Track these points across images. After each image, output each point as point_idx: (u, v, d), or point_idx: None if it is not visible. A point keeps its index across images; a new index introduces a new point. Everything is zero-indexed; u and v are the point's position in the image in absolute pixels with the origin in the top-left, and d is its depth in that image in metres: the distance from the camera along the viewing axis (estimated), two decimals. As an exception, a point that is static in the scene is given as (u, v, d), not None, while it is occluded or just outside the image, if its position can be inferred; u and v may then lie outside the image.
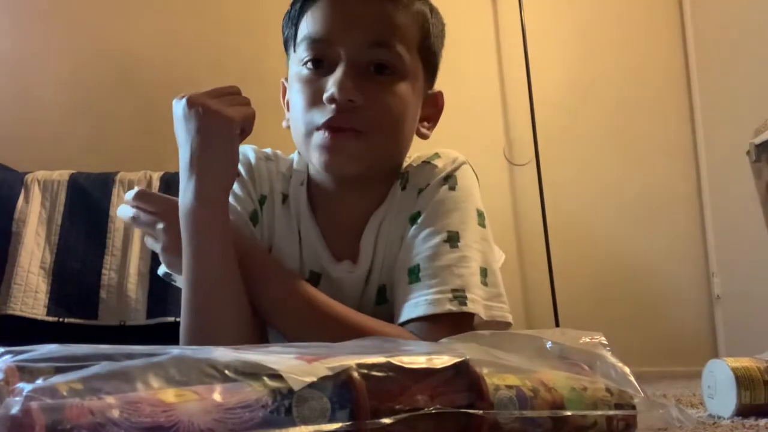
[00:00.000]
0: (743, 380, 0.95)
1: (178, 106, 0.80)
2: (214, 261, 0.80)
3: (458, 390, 0.54)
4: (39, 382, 0.42)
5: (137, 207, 0.86)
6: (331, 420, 0.48)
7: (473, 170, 0.99)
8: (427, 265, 0.88)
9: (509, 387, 0.56)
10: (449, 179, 0.94)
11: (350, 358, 0.52)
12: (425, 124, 1.00)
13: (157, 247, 0.88)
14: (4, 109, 2.66)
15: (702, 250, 2.94)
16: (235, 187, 0.94)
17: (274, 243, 0.96)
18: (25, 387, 0.41)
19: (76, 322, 2.00)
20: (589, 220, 2.91)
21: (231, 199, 0.92)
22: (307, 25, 0.90)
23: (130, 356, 0.48)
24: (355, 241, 0.95)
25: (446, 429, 0.53)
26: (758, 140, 1.81)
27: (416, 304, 0.85)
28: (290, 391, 0.47)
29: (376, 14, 0.88)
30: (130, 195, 0.87)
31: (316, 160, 0.89)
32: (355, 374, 0.50)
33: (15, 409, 0.40)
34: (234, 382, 0.48)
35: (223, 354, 0.50)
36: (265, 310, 0.85)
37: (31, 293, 2.00)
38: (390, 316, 0.89)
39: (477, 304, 0.87)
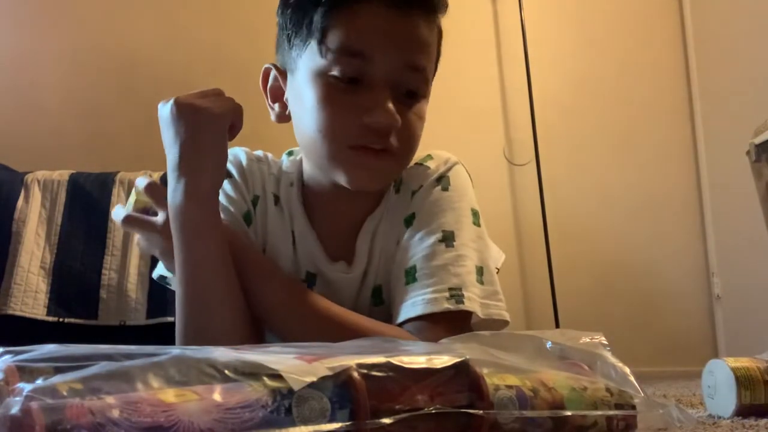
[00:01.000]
0: (743, 380, 0.95)
1: (165, 109, 0.80)
2: (208, 259, 0.80)
3: (458, 390, 0.54)
4: (39, 382, 0.42)
5: (149, 196, 0.86)
6: (331, 420, 0.48)
7: (466, 170, 0.99)
8: (423, 265, 0.88)
9: (509, 387, 0.56)
10: (442, 180, 0.95)
11: (350, 358, 0.52)
12: None
13: (155, 251, 0.87)
14: (4, 109, 2.66)
15: (702, 250, 2.94)
16: (228, 188, 0.94)
17: (269, 243, 0.96)
18: (25, 387, 0.41)
19: (76, 322, 2.01)
20: (589, 220, 2.91)
21: (224, 200, 0.92)
22: (343, 33, 0.85)
23: (130, 356, 0.48)
24: (351, 243, 0.95)
25: (446, 429, 0.53)
26: (758, 140, 1.81)
27: (414, 304, 0.85)
28: (290, 391, 0.47)
29: (412, 33, 0.87)
30: (141, 183, 0.87)
31: (343, 177, 0.88)
32: (355, 374, 0.50)
33: (15, 409, 0.40)
34: (234, 382, 0.48)
35: (223, 354, 0.50)
36: (263, 311, 0.84)
37: (31, 293, 2.00)
38: (386, 317, 0.89)
39: (474, 302, 0.87)
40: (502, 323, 0.92)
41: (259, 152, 1.01)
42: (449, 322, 0.84)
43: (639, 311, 2.83)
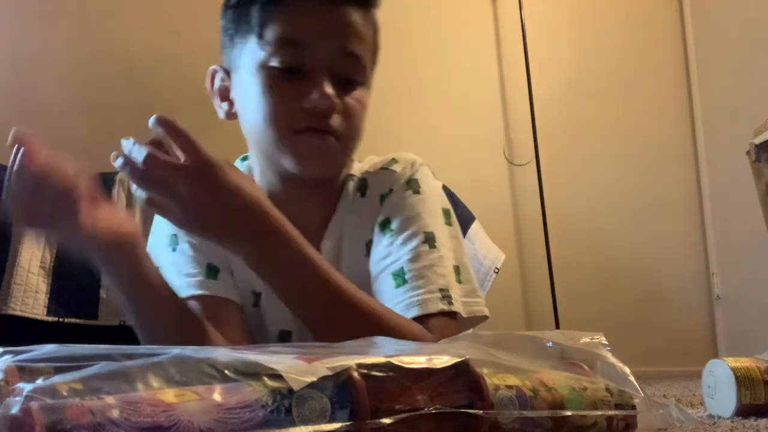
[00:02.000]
0: (743, 380, 0.95)
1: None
2: (150, 305, 0.85)
3: (458, 390, 0.54)
4: (39, 382, 0.42)
5: (165, 131, 0.78)
6: (331, 420, 0.48)
7: (430, 170, 1.01)
8: (410, 267, 0.89)
9: (509, 387, 0.56)
10: (411, 183, 0.96)
11: (350, 358, 0.52)
12: None
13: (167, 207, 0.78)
14: (4, 108, 2.66)
15: (702, 250, 2.94)
16: None
17: (221, 259, 0.93)
18: (25, 387, 0.41)
19: (76, 322, 2.00)
20: (589, 220, 2.91)
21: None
22: (279, 26, 0.89)
23: (130, 356, 0.48)
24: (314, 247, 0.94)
25: (446, 429, 0.53)
26: (758, 140, 1.82)
27: (408, 306, 0.86)
28: (290, 391, 0.47)
29: (346, 21, 0.91)
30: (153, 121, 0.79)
31: (291, 162, 0.90)
32: (355, 374, 0.50)
33: (15, 409, 0.40)
34: (234, 382, 0.48)
35: (223, 354, 0.50)
36: (285, 294, 0.81)
37: (31, 293, 2.00)
38: None
39: (458, 302, 0.89)
40: (482, 319, 0.95)
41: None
42: (442, 323, 0.86)
43: (639, 311, 2.83)
